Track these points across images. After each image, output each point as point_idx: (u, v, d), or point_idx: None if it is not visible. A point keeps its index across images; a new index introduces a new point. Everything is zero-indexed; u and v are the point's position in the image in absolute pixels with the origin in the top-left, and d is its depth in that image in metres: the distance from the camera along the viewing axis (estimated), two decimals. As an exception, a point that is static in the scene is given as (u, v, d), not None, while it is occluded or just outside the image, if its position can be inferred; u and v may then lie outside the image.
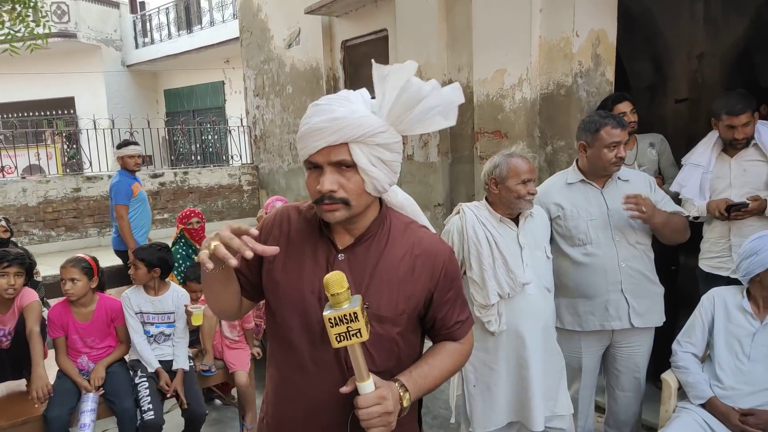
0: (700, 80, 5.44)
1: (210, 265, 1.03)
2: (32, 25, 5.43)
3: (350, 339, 1.03)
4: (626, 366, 2.58)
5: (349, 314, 1.01)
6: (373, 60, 1.13)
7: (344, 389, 1.11)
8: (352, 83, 5.43)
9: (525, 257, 2.27)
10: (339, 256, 1.18)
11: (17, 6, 5.29)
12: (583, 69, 3.38)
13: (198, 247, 3.77)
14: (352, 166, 1.10)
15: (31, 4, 5.38)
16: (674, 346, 2.46)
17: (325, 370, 1.17)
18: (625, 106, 3.04)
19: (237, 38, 10.00)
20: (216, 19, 12.84)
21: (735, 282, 2.63)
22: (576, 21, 3.29)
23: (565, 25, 3.32)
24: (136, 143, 4.87)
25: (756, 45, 5.78)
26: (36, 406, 2.65)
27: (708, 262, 2.85)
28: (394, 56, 4.70)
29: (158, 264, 3.00)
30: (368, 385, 1.08)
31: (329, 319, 1.02)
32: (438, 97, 1.10)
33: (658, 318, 2.54)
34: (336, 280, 1.03)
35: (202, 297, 3.23)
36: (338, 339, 1.02)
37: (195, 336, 3.28)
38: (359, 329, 1.02)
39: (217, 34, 12.47)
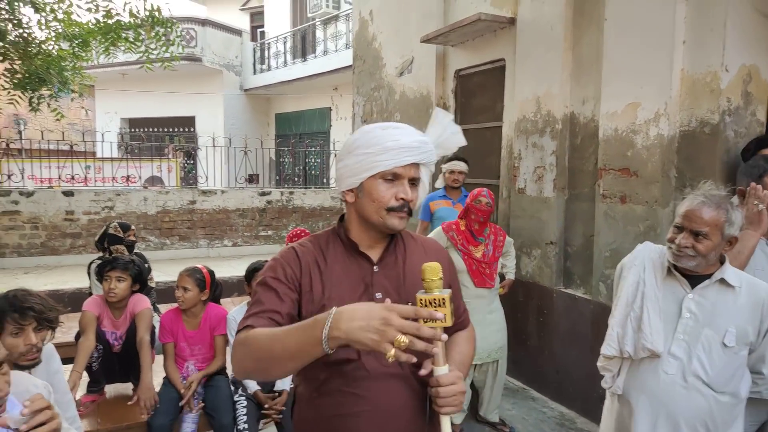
0: None
1: (404, 358, 1.05)
2: (168, 44, 5.87)
3: (435, 322, 1.10)
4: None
5: (439, 299, 1.11)
6: (437, 107, 1.41)
7: (423, 372, 1.22)
8: (463, 112, 5.33)
9: (682, 328, 1.86)
10: (374, 268, 1.36)
11: (157, 26, 5.74)
12: (731, 107, 3.05)
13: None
14: (416, 183, 1.34)
15: (169, 26, 5.81)
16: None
17: (391, 378, 1.29)
18: None
19: (347, 67, 10.34)
20: (329, 49, 13.35)
21: None
22: (725, 55, 2.98)
23: (713, 59, 3.02)
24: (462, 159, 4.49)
25: None
26: (143, 416, 2.71)
27: None
28: (511, 86, 4.55)
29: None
30: (445, 369, 1.18)
31: (420, 299, 1.12)
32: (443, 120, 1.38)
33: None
34: (432, 268, 1.14)
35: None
36: (424, 320, 1.09)
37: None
38: (445, 315, 1.10)
39: (329, 62, 12.95)
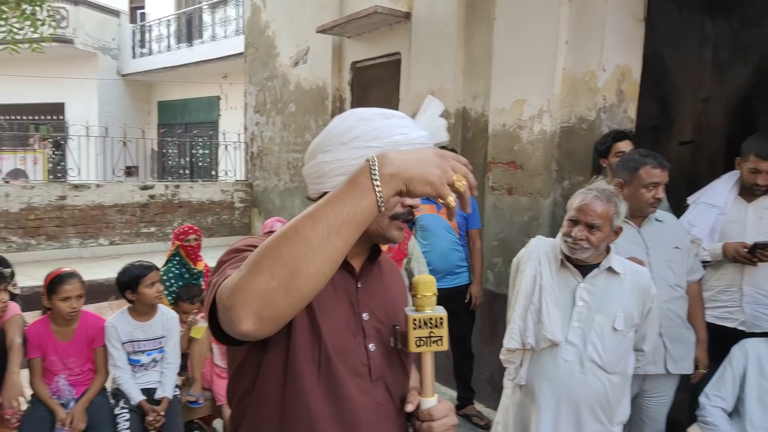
0: (704, 123, 5.43)
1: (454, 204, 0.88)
2: (37, 24, 5.26)
3: (430, 345, 0.98)
4: (652, 416, 2.44)
5: (436, 319, 0.98)
6: (430, 95, 1.14)
7: (409, 408, 1.06)
8: (360, 105, 5.32)
9: (576, 316, 1.96)
10: (358, 284, 1.11)
11: (24, 4, 5.12)
12: (607, 104, 3.29)
13: (192, 266, 3.55)
14: None
15: (38, 3, 5.21)
16: (702, 399, 2.32)
17: (379, 410, 1.07)
18: (625, 145, 2.94)
19: (238, 54, 9.92)
20: (218, 35, 12.75)
21: (741, 334, 2.51)
22: (603, 55, 3.21)
23: (592, 59, 3.24)
24: None
25: (756, 92, 5.83)
26: (10, 424, 2.41)
27: (714, 312, 2.67)
28: (406, 80, 4.61)
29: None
30: (433, 401, 1.04)
31: (414, 320, 0.97)
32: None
33: (690, 365, 2.42)
34: (426, 283, 1.00)
35: (201, 314, 3.03)
36: (417, 343, 0.98)
37: (182, 362, 3.05)
38: (441, 337, 0.98)
39: (218, 48, 12.37)
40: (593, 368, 1.92)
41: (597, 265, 1.97)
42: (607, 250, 1.99)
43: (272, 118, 7.03)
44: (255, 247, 0.98)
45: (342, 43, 5.43)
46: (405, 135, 1.02)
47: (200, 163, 11.59)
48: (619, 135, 3.03)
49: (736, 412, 2.27)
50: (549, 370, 1.95)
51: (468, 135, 4.11)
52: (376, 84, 5.16)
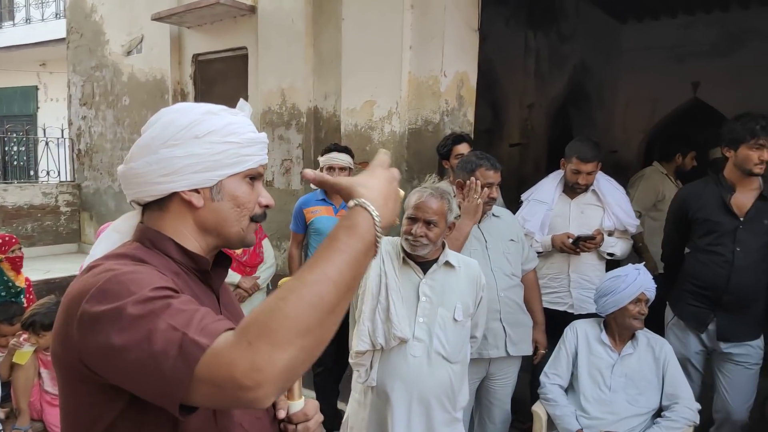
0: (530, 127, 6.03)
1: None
2: None
3: None
4: (498, 398, 2.64)
5: None
6: (242, 99, 1.10)
7: (282, 414, 1.06)
8: (205, 100, 5.01)
9: (421, 311, 2.04)
10: (220, 302, 1.06)
11: None
12: (449, 108, 3.50)
13: (14, 281, 3.08)
14: None
15: None
16: (542, 378, 2.56)
17: (257, 423, 1.03)
18: (463, 148, 3.16)
19: (59, 40, 8.83)
20: (34, 17, 11.22)
21: (571, 316, 2.84)
22: (444, 61, 3.40)
23: (434, 64, 3.42)
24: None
25: (571, 100, 6.64)
26: None
27: (546, 297, 2.97)
28: (255, 77, 4.45)
29: None
30: (302, 402, 1.06)
31: None
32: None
33: (528, 347, 2.66)
34: None
35: (24, 336, 2.65)
36: None
37: (5, 392, 2.64)
38: None
39: (34, 33, 10.88)
40: (439, 360, 2.01)
41: (435, 261, 2.08)
42: (443, 245, 2.10)
43: (102, 111, 6.37)
44: (133, 259, 0.89)
45: (182, 33, 5.09)
46: (254, 133, 1.01)
47: (15, 162, 10.13)
48: (457, 138, 3.24)
49: (571, 387, 2.53)
50: (399, 367, 2.00)
51: (321, 134, 4.10)
52: (222, 79, 4.93)
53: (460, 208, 2.53)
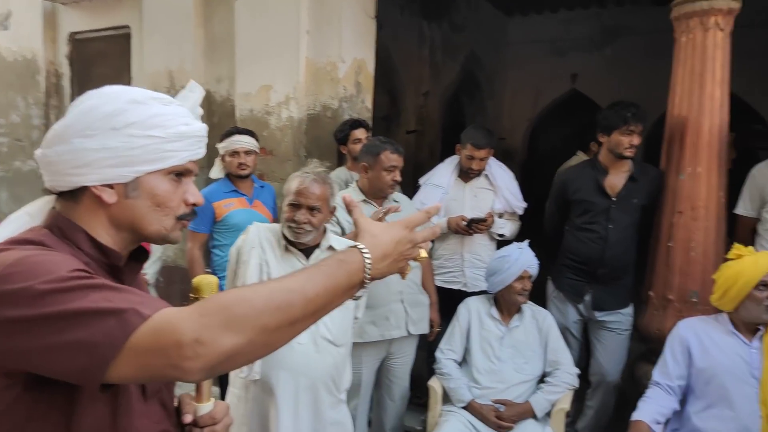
0: (425, 115, 6.22)
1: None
2: None
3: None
4: (398, 375, 2.73)
5: None
6: (192, 81, 1.08)
7: (188, 418, 1.00)
8: (82, 82, 4.64)
9: None
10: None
11: None
12: (347, 94, 3.51)
13: None
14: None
15: None
16: (437, 354, 2.68)
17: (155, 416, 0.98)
18: (360, 133, 3.22)
19: None
20: None
21: (465, 294, 3.00)
22: (342, 47, 3.40)
23: (332, 50, 3.40)
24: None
25: (463, 89, 6.92)
26: None
27: (442, 277, 3.13)
28: (139, 58, 4.18)
29: None
30: (210, 405, 1.02)
31: None
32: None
33: (426, 326, 2.77)
34: (209, 283, 0.99)
35: None
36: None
37: None
38: None
39: None
40: (326, 345, 1.99)
41: (318, 246, 2.05)
42: (324, 230, 2.08)
43: (-38, 93, 5.68)
44: (39, 245, 0.82)
45: (56, 9, 4.66)
46: (188, 126, 0.95)
47: None
48: (354, 123, 3.27)
49: (465, 362, 2.68)
50: (285, 357, 1.94)
51: (214, 119, 3.94)
52: (102, 60, 4.57)
53: (362, 191, 2.57)
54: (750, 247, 2.29)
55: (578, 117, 7.12)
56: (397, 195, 2.72)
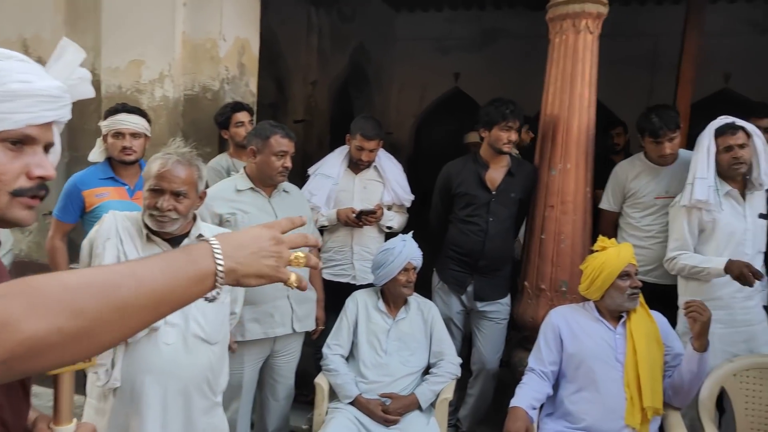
0: (313, 104, 6.09)
1: (304, 283, 0.88)
2: None
3: (74, 364, 0.79)
4: (283, 374, 2.62)
5: None
6: (65, 38, 0.93)
7: None
8: None
9: None
10: None
11: None
12: (229, 75, 3.29)
13: None
14: (48, 150, 0.88)
15: None
16: (324, 350, 2.61)
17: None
18: (243, 116, 3.07)
19: None
20: None
21: (355, 287, 2.96)
22: (223, 24, 3.18)
23: (212, 27, 3.17)
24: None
25: (352, 80, 6.88)
26: None
27: (331, 270, 3.06)
28: (-17, 21, 3.63)
29: None
30: (71, 427, 0.90)
31: None
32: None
33: (312, 322, 2.67)
34: None
35: None
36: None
37: None
38: None
39: None
40: (198, 344, 1.80)
41: (186, 235, 1.85)
42: (194, 217, 1.89)
43: None
44: None
45: None
46: (28, 83, 0.81)
47: None
48: (237, 105, 3.10)
49: (352, 356, 2.62)
50: (150, 360, 1.74)
51: (75, 96, 3.53)
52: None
53: (250, 178, 2.41)
54: (613, 239, 2.46)
55: (460, 114, 7.38)
56: (287, 185, 2.59)
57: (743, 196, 2.58)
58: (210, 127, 3.24)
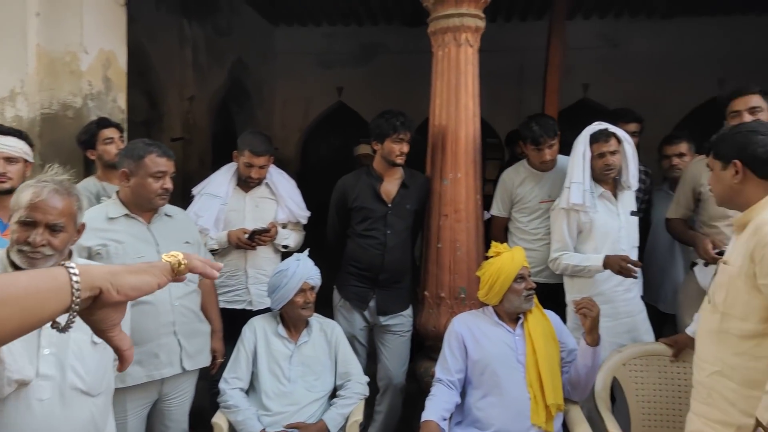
0: (192, 121, 5.77)
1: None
2: None
3: None
4: (174, 419, 2.37)
5: None
6: None
7: None
8: None
9: (46, 341, 1.54)
10: None
11: None
12: (93, 91, 2.98)
13: None
14: None
15: None
16: (221, 384, 2.41)
17: None
18: (111, 132, 2.83)
19: None
20: None
21: (251, 314, 2.78)
22: (84, 35, 2.88)
23: (71, 38, 2.86)
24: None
25: (232, 96, 6.62)
26: None
27: (224, 297, 2.86)
28: None
29: None
30: None
31: None
32: None
33: (207, 357, 2.45)
34: None
35: None
36: None
37: None
38: None
39: None
40: (77, 397, 1.60)
41: None
42: (70, 253, 1.68)
43: None
44: None
45: None
46: None
47: None
48: (103, 121, 2.84)
49: (252, 388, 2.44)
50: (19, 420, 1.49)
51: None
52: None
53: (123, 203, 2.16)
54: (505, 244, 2.54)
55: (346, 128, 7.38)
56: (170, 208, 2.36)
57: (615, 196, 2.78)
58: (73, 148, 2.90)
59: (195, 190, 2.96)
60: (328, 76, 7.17)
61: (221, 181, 2.94)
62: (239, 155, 2.89)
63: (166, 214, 2.33)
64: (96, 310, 0.74)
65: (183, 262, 0.82)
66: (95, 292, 0.72)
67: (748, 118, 2.44)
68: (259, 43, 6.96)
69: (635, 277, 2.56)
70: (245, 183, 2.93)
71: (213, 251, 2.84)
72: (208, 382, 2.77)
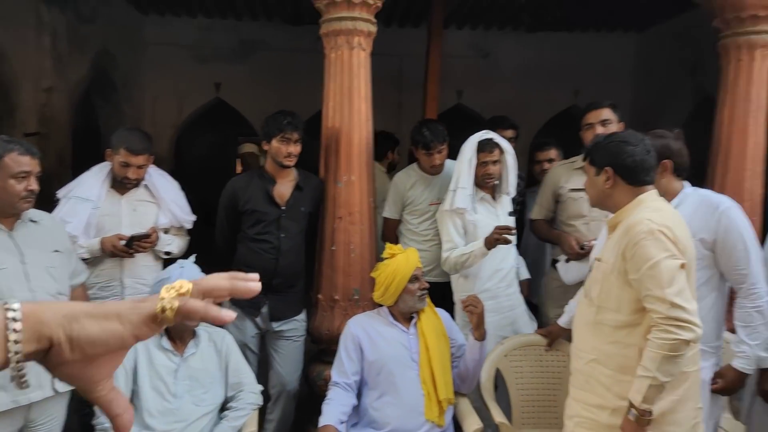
0: (49, 115, 5.21)
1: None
2: None
3: None
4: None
5: None
6: None
7: None
8: None
9: None
10: None
11: None
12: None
13: None
14: None
15: None
16: (96, 407, 2.20)
17: None
18: None
19: None
20: None
21: None
22: None
23: None
24: None
25: (96, 88, 6.08)
26: None
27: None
28: None
29: None
30: None
31: None
32: None
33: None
34: None
35: None
36: None
37: None
38: None
39: None
40: None
41: None
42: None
43: None
44: None
45: None
46: None
47: None
48: None
49: (133, 406, 2.25)
50: None
51: None
52: None
53: None
54: (399, 246, 2.60)
55: (224, 126, 7.09)
56: (35, 212, 2.10)
57: (494, 198, 2.96)
58: None
59: (60, 193, 2.67)
60: (205, 70, 6.83)
61: (92, 183, 2.68)
62: (114, 154, 2.65)
63: (31, 220, 2.08)
64: (55, 367, 0.55)
65: (168, 307, 0.57)
66: (43, 345, 0.54)
67: (600, 129, 2.73)
68: (127, 33, 6.45)
69: (510, 241, 2.69)
70: (121, 185, 2.71)
71: (83, 260, 2.59)
72: (77, 404, 2.51)
